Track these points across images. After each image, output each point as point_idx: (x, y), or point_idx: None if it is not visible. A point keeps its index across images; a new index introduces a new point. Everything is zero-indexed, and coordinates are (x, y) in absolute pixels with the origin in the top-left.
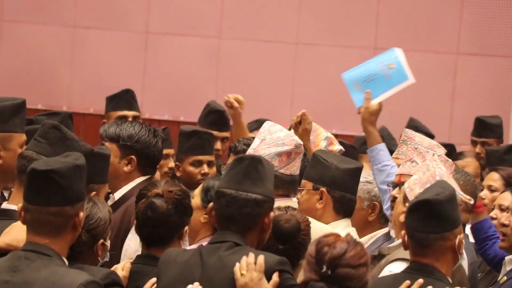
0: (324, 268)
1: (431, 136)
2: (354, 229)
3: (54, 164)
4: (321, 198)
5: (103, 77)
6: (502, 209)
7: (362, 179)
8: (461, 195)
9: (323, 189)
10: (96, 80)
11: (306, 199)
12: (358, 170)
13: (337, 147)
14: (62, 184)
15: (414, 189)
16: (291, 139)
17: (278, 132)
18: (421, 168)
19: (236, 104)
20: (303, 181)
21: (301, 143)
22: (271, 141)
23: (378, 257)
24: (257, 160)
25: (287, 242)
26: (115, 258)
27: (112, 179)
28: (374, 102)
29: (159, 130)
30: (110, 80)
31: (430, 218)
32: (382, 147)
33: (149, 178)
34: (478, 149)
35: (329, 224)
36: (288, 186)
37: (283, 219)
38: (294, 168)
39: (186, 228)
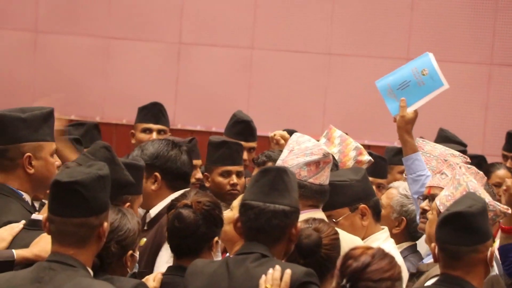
0: (344, 282)
1: (463, 145)
2: (392, 240)
3: (77, 175)
4: (363, 215)
5: (136, 88)
6: None
7: (403, 191)
8: (499, 206)
9: (363, 205)
10: (129, 90)
11: (349, 224)
12: (366, 172)
13: (366, 157)
14: (86, 195)
15: (447, 205)
16: (319, 149)
17: (306, 142)
18: (450, 182)
19: (282, 142)
20: (335, 212)
21: (329, 152)
22: (299, 151)
23: (417, 274)
24: (282, 171)
25: (308, 257)
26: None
27: (144, 200)
28: (409, 110)
29: (182, 142)
30: (143, 91)
31: (462, 231)
32: (417, 156)
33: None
34: (509, 163)
35: (372, 235)
36: (318, 196)
37: (303, 234)
38: (323, 178)
39: (216, 238)
